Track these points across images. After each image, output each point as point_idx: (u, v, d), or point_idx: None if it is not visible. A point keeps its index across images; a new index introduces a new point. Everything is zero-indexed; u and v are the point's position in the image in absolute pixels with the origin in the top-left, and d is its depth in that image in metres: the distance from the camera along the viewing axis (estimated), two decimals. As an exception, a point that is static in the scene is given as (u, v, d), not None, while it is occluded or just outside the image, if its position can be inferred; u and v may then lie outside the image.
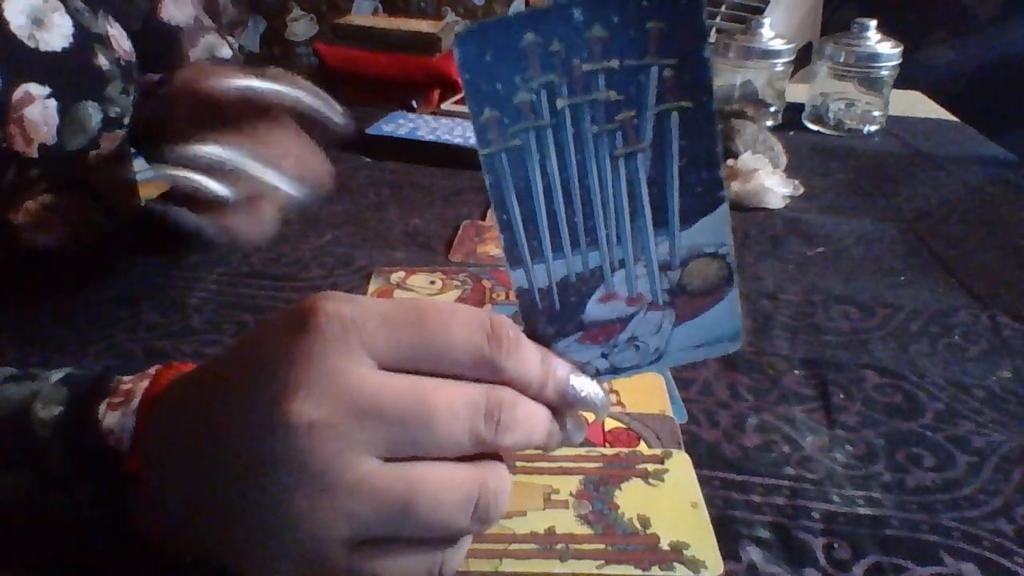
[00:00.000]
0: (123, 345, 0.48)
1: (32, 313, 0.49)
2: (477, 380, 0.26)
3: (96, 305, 0.52)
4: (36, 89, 0.52)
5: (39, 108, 0.51)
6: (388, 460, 0.25)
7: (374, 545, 0.25)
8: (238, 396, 0.26)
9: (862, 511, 0.37)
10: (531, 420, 0.27)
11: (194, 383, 0.29)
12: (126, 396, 0.30)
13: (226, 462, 0.25)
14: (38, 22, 0.53)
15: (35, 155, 0.52)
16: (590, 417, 0.30)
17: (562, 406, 0.28)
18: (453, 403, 0.25)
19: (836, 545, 0.35)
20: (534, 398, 0.27)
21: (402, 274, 0.57)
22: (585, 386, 0.29)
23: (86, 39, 0.56)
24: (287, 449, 0.24)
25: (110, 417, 0.29)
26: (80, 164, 0.55)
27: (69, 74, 0.55)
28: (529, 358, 0.27)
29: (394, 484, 0.24)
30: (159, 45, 0.69)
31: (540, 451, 0.29)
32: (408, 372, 0.25)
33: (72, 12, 0.56)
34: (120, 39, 0.61)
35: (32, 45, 0.52)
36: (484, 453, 0.26)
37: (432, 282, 0.56)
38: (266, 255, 0.60)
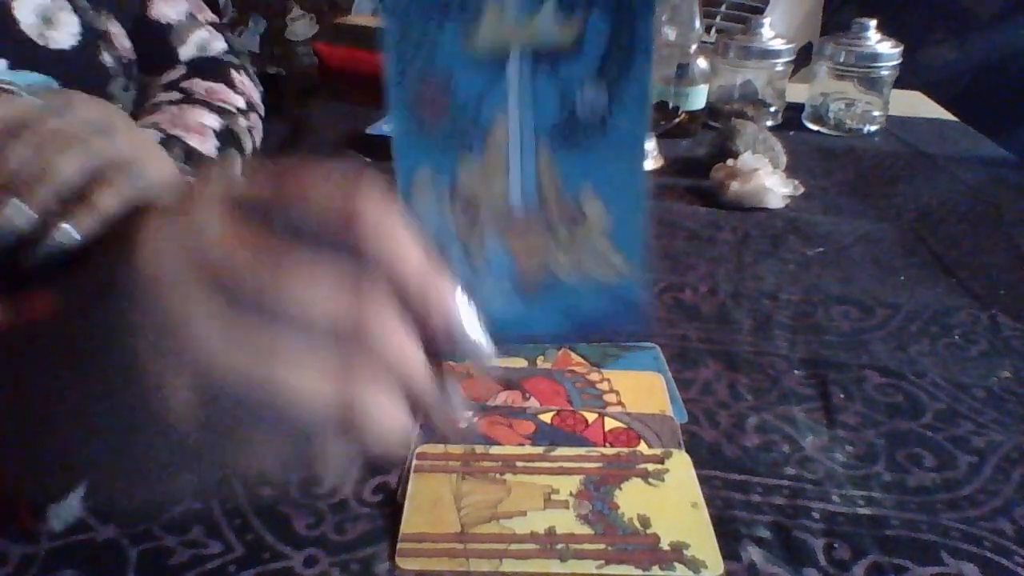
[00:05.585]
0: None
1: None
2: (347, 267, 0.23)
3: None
4: None
5: None
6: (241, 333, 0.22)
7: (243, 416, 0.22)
8: (92, 262, 0.24)
9: (862, 511, 0.37)
10: (403, 347, 0.23)
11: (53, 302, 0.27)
12: None
13: (72, 342, 0.23)
14: (47, 20, 0.54)
15: None
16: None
17: (440, 324, 0.23)
18: (316, 295, 0.22)
19: (836, 545, 0.35)
20: (409, 301, 0.23)
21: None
22: (469, 312, 0.24)
23: (92, 37, 0.57)
24: (140, 307, 0.22)
25: None
26: None
27: (76, 71, 0.55)
28: (406, 250, 0.23)
29: (255, 367, 0.22)
30: (149, 43, 0.69)
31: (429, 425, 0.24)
32: (267, 226, 0.22)
33: (78, 10, 0.56)
34: (121, 37, 0.62)
35: (42, 43, 0.53)
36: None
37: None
38: (266, 255, 0.60)
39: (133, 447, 0.23)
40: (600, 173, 0.25)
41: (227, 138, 0.65)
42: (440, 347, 0.23)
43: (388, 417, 0.23)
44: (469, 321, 0.23)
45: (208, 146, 0.62)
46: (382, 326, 0.22)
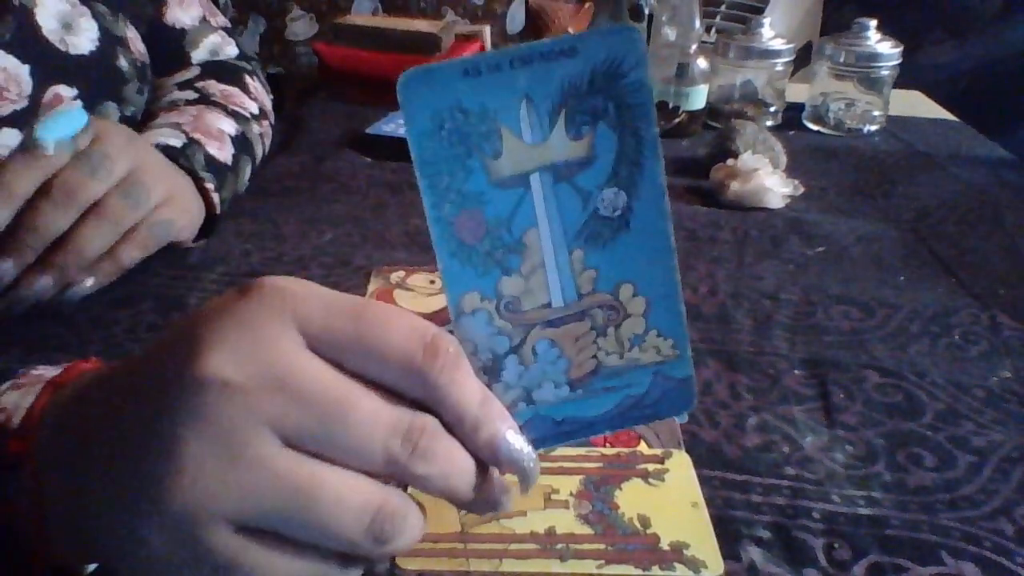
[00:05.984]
0: (123, 345, 0.48)
1: (32, 313, 0.49)
2: (405, 397, 0.24)
3: (96, 305, 0.51)
4: (65, 91, 0.53)
5: None
6: (292, 447, 0.23)
7: (260, 537, 0.23)
8: (156, 353, 0.24)
9: (862, 511, 0.37)
10: (452, 459, 0.25)
11: (111, 364, 0.27)
12: (34, 380, 0.29)
13: (124, 418, 0.24)
14: (68, 26, 0.54)
15: None
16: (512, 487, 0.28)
17: (490, 459, 0.26)
18: (375, 412, 0.23)
19: (836, 545, 0.35)
20: (464, 439, 0.25)
21: (402, 274, 0.57)
22: (520, 445, 0.26)
23: (109, 42, 0.57)
24: (192, 403, 0.22)
25: (8, 396, 0.28)
26: None
27: (94, 76, 0.56)
28: (467, 388, 0.25)
29: (297, 472, 0.23)
30: (163, 47, 0.70)
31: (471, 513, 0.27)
32: (336, 364, 0.24)
33: (97, 16, 0.57)
34: (136, 41, 0.63)
35: (63, 49, 0.54)
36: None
37: (432, 281, 0.56)
38: (266, 255, 0.60)
39: (149, 543, 0.23)
40: (631, 265, 0.27)
41: (242, 145, 0.66)
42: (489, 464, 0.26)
43: (415, 532, 0.25)
44: (518, 448, 0.26)
45: (226, 153, 0.63)
46: (433, 451, 0.24)
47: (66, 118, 0.46)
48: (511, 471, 0.26)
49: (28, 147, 0.44)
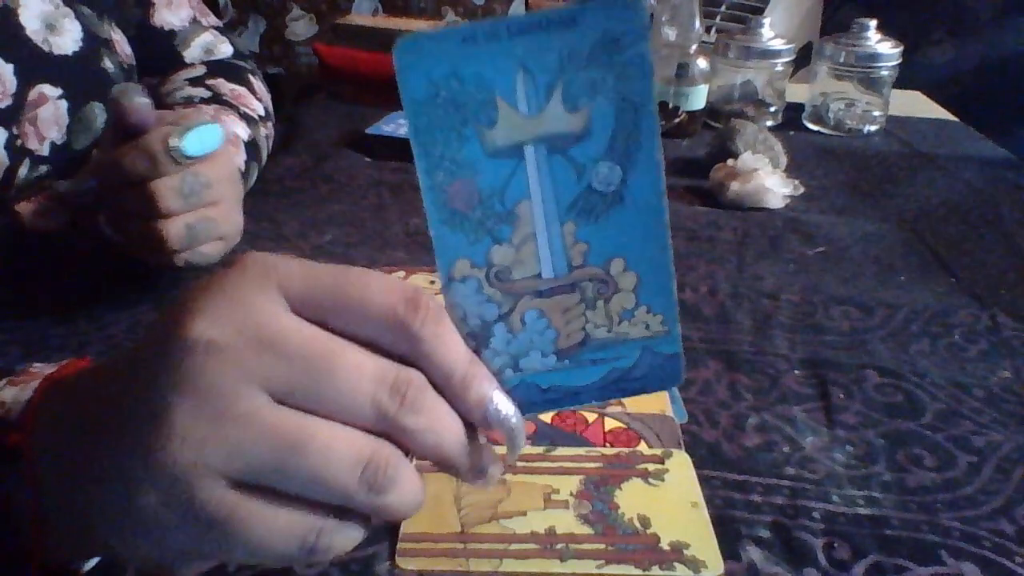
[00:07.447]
0: (123, 345, 0.48)
1: (32, 313, 0.49)
2: (392, 356, 0.25)
3: (96, 305, 0.52)
4: (49, 90, 0.54)
5: (51, 108, 0.53)
6: (282, 404, 0.24)
7: (254, 492, 0.23)
8: (146, 333, 0.25)
9: (862, 511, 0.37)
10: (440, 414, 0.25)
11: (106, 358, 0.28)
12: (31, 376, 0.29)
13: (116, 392, 0.24)
14: (51, 27, 0.55)
15: (46, 152, 0.53)
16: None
17: (478, 419, 0.26)
18: (360, 365, 0.24)
19: (836, 545, 0.35)
20: (452, 398, 0.25)
21: (402, 274, 0.57)
22: (507, 407, 0.26)
23: (94, 43, 0.58)
24: (179, 365, 0.23)
25: (7, 391, 0.28)
26: (85, 162, 0.56)
27: (79, 76, 0.56)
28: (453, 345, 0.25)
29: (285, 424, 0.23)
30: (153, 49, 0.70)
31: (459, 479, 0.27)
32: (320, 324, 0.24)
33: (80, 17, 0.57)
34: (122, 44, 0.63)
35: (46, 49, 0.54)
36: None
37: (432, 282, 0.56)
38: (266, 255, 0.60)
39: (146, 510, 0.23)
40: (623, 240, 0.26)
41: (252, 151, 0.66)
42: (476, 426, 0.26)
43: (412, 487, 0.25)
44: (505, 410, 0.26)
45: (239, 160, 0.63)
46: (421, 403, 0.24)
47: (208, 133, 0.46)
48: (498, 432, 0.26)
49: (172, 158, 0.44)
